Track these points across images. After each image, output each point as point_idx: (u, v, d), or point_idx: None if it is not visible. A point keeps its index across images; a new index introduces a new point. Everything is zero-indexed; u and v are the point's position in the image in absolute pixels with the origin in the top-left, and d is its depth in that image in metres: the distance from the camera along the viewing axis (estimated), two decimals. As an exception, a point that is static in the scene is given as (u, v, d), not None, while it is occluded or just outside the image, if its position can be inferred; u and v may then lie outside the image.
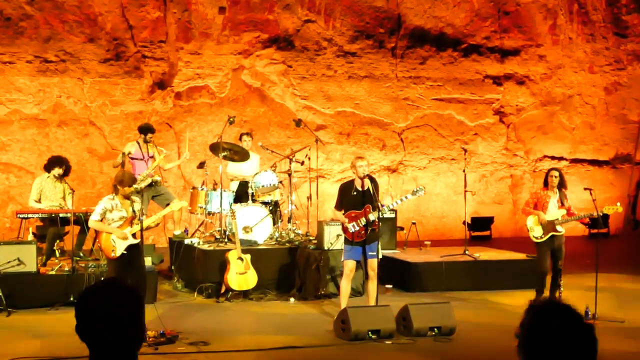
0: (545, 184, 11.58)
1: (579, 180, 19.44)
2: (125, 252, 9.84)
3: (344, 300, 10.50)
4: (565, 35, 20.35)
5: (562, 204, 11.39)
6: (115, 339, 2.84)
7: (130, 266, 9.92)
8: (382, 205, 10.66)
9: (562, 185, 11.51)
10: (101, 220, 9.88)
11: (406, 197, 10.86)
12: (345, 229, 10.44)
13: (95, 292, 2.89)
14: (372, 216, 10.30)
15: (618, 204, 11.61)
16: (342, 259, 10.63)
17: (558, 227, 11.31)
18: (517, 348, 2.81)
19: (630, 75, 20.83)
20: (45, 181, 13.05)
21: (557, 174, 11.49)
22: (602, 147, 20.83)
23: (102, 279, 2.73)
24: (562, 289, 10.80)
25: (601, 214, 11.14)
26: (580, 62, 20.54)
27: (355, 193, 10.44)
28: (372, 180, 10.57)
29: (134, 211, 9.92)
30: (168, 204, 13.41)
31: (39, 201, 12.97)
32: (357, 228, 10.34)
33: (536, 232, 11.43)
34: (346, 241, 10.49)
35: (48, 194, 12.98)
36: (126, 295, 2.89)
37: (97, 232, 10.79)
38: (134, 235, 9.91)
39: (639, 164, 21.05)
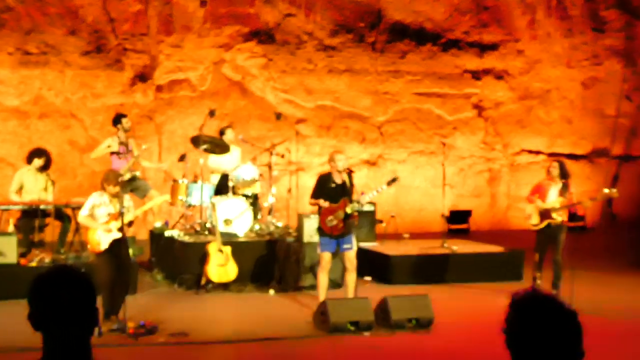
0: (548, 174, 11.77)
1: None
2: (110, 246, 9.93)
3: (322, 292, 10.59)
4: (543, 30, 20.48)
5: (562, 194, 11.54)
6: (69, 326, 2.81)
7: (116, 259, 10.00)
8: (362, 194, 10.79)
9: (564, 176, 11.65)
10: (90, 216, 10.00)
11: (381, 189, 10.88)
12: (323, 222, 10.49)
13: (48, 279, 2.85)
14: (350, 209, 10.38)
15: (614, 189, 11.88)
16: (318, 251, 10.70)
17: (554, 214, 11.44)
18: (505, 343, 2.83)
19: (608, 70, 20.94)
20: (26, 174, 13.07)
21: (556, 164, 11.71)
22: (579, 141, 20.96)
23: (55, 265, 2.75)
24: (539, 282, 10.91)
25: (598, 198, 11.48)
26: (558, 57, 20.64)
27: (333, 185, 10.51)
28: (349, 174, 10.65)
29: (120, 207, 9.97)
30: (145, 196, 13.61)
31: (19, 193, 12.96)
32: (335, 222, 10.41)
33: (533, 220, 11.67)
34: (321, 233, 10.56)
35: (29, 187, 12.98)
36: (78, 282, 2.86)
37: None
38: (120, 229, 9.96)
39: (615, 158, 21.20)
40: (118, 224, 9.93)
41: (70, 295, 2.80)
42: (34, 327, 2.83)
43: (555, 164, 11.73)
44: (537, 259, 11.76)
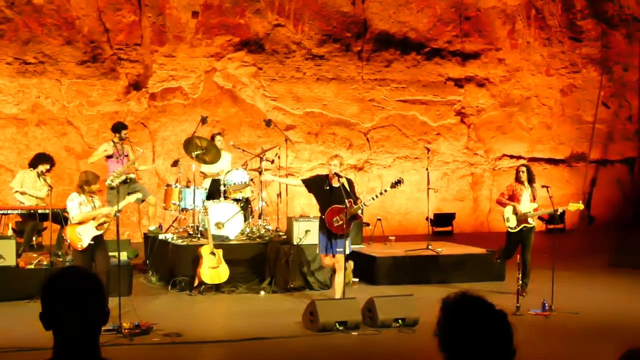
0: (516, 179, 12.04)
1: (536, 178, 19.84)
2: (91, 242, 10.22)
3: (338, 290, 10.74)
4: (523, 39, 20.55)
5: (534, 198, 11.87)
6: (80, 325, 2.81)
7: (93, 258, 10.32)
8: (358, 198, 10.93)
9: (531, 180, 11.97)
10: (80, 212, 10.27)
11: (385, 190, 11.11)
12: (330, 223, 10.60)
13: (59, 279, 2.86)
14: (355, 210, 10.56)
15: (580, 202, 12.10)
16: (318, 252, 10.91)
17: (529, 220, 11.80)
18: (438, 347, 2.78)
19: (585, 77, 21.09)
20: (28, 174, 13.20)
21: (524, 169, 11.97)
22: (558, 146, 21.04)
23: (66, 266, 2.80)
24: (520, 282, 10.92)
25: (562, 210, 11.73)
26: (537, 65, 20.75)
27: (327, 188, 10.67)
28: (348, 179, 10.83)
29: (94, 206, 10.32)
30: (143, 200, 13.87)
31: (22, 193, 13.12)
32: (341, 222, 10.56)
33: (511, 223, 11.91)
34: (321, 235, 10.75)
35: (27, 188, 13.16)
36: (89, 281, 2.87)
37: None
38: (98, 227, 10.27)
39: (593, 162, 21.32)
40: (96, 222, 10.21)
41: (81, 294, 2.82)
42: (45, 327, 2.85)
43: (524, 169, 12.01)
44: (507, 258, 12.15)
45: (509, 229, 12.02)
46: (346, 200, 10.54)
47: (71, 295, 2.82)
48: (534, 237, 11.95)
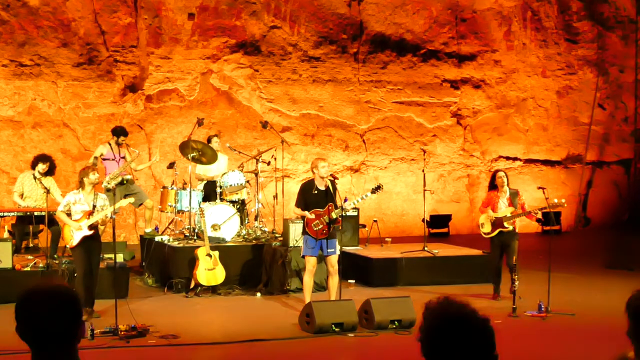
0: (492, 186, 12.03)
1: (532, 180, 19.76)
2: (81, 242, 10.30)
3: (307, 294, 10.72)
4: (519, 41, 20.57)
5: (511, 203, 11.78)
6: (54, 339, 2.82)
7: (87, 255, 10.41)
8: (345, 201, 11.04)
9: (507, 184, 11.94)
10: (68, 213, 10.38)
11: (366, 195, 11.19)
12: (309, 226, 10.63)
13: (33, 295, 2.87)
14: (335, 214, 10.56)
15: (563, 200, 11.99)
16: (302, 255, 10.87)
17: (505, 224, 11.70)
18: (420, 352, 2.79)
19: (581, 79, 21.11)
20: (27, 177, 13.20)
21: (502, 174, 11.92)
22: (554, 148, 21.06)
23: (39, 282, 2.76)
24: (517, 283, 10.96)
25: (542, 209, 11.58)
26: (533, 67, 20.76)
27: (316, 192, 10.67)
28: (332, 180, 10.81)
29: (94, 206, 10.31)
30: (141, 204, 13.91)
31: (21, 197, 13.13)
32: (321, 226, 10.58)
33: (485, 229, 11.94)
34: (307, 237, 10.72)
35: (27, 191, 13.16)
36: (63, 297, 2.86)
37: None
38: (90, 228, 10.30)
39: (589, 164, 21.32)
40: (89, 221, 10.26)
41: (53, 313, 2.82)
42: (21, 339, 2.88)
43: (502, 174, 11.95)
44: (497, 267, 12.02)
45: (484, 235, 12.06)
46: (326, 205, 10.62)
47: (42, 315, 2.82)
48: (516, 243, 11.84)
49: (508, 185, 11.97)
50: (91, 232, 10.34)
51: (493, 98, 20.58)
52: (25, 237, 13.42)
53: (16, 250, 12.65)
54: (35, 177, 13.18)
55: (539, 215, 12.00)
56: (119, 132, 14.06)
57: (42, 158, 13.40)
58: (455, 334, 2.71)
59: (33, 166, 13.33)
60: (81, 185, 10.42)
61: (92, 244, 10.45)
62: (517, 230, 11.96)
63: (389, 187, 18.88)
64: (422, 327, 2.80)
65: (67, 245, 10.68)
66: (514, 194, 11.92)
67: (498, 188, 11.93)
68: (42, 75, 17.00)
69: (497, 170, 12.26)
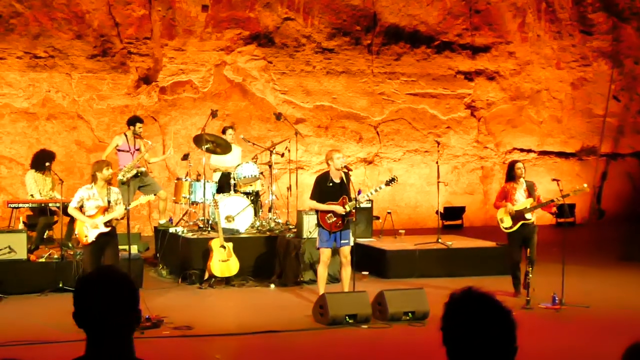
0: (510, 177, 11.75)
1: (546, 172, 19.65)
2: (96, 239, 10.14)
3: (321, 286, 10.71)
4: (533, 32, 20.52)
5: (530, 194, 11.56)
6: (112, 325, 2.84)
7: (103, 253, 10.24)
8: (359, 193, 11.09)
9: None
10: (80, 208, 10.20)
11: (380, 187, 11.10)
12: (322, 219, 10.63)
13: (91, 281, 2.91)
14: (349, 207, 10.54)
15: (585, 184, 11.89)
16: (317, 247, 10.85)
17: (527, 215, 11.46)
18: (442, 341, 2.81)
19: (596, 71, 21.04)
20: (35, 175, 13.28)
21: (521, 165, 11.68)
22: (568, 140, 21.01)
23: (98, 267, 2.78)
24: (530, 276, 10.83)
25: (564, 197, 11.13)
26: (547, 59, 20.70)
27: (331, 184, 10.63)
28: (346, 172, 10.78)
29: (108, 201, 10.19)
30: (155, 195, 13.92)
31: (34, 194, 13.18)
32: (334, 219, 10.57)
33: (506, 223, 11.60)
34: (321, 229, 10.70)
35: (40, 187, 13.24)
36: (121, 283, 2.90)
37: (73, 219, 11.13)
38: (107, 224, 10.19)
39: (603, 156, 21.28)
40: (105, 218, 10.13)
41: (113, 296, 2.85)
42: (78, 325, 2.89)
43: (520, 165, 11.71)
44: (515, 262, 11.68)
45: (504, 230, 11.73)
46: (342, 197, 10.61)
47: (103, 296, 2.85)
48: (537, 236, 11.64)
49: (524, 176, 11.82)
50: (108, 229, 10.22)
51: (507, 90, 20.55)
52: (49, 228, 13.44)
53: (38, 243, 12.69)
54: (42, 171, 13.27)
55: (562, 202, 11.53)
56: (135, 120, 14.10)
57: (40, 157, 13.56)
58: (478, 324, 2.73)
59: (34, 165, 13.44)
60: (94, 179, 10.25)
61: (108, 240, 10.28)
62: (535, 223, 11.76)
63: (403, 179, 18.84)
64: (445, 316, 2.83)
65: (80, 243, 10.54)
66: (531, 186, 11.70)
67: (515, 179, 11.68)
68: (56, 67, 17.06)
69: (515, 161, 12.02)
